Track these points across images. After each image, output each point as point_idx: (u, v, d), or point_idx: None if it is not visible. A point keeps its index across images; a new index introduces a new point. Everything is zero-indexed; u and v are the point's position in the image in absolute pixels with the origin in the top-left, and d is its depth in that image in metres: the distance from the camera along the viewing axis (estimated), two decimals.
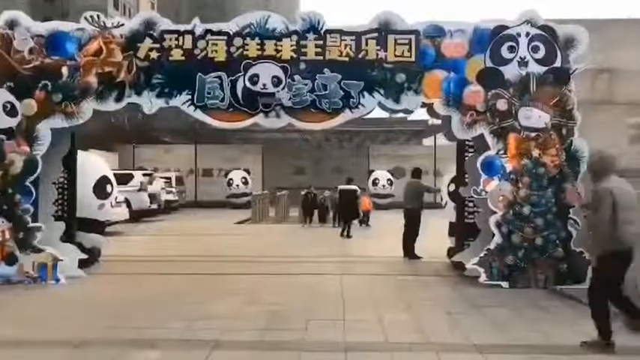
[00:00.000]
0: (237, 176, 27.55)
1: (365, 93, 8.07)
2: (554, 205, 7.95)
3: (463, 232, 9.13)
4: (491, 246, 8.00)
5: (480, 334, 5.57)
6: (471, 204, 9.03)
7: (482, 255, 8.02)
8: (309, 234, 16.28)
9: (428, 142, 35.01)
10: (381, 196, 26.54)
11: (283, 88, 8.10)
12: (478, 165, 8.06)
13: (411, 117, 39.27)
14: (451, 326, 5.99)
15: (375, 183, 27.17)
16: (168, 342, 5.35)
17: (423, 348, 5.17)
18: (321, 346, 5.23)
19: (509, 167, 8.02)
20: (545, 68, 8.00)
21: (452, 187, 9.88)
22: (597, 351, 5.05)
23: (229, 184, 27.44)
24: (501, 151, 8.05)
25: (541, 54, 8.01)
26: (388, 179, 27.25)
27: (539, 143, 8.00)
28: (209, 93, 8.13)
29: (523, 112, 8.02)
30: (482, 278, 7.98)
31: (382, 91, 8.07)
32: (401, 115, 35.26)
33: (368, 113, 8.25)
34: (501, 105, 8.04)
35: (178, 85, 8.16)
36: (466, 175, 8.99)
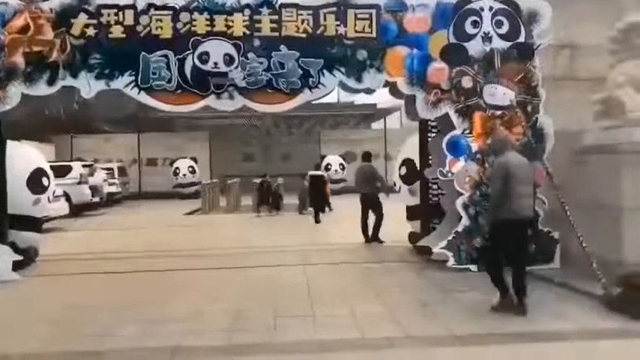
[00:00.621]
0: (183, 165, 26.55)
1: (325, 71, 7.57)
2: None
3: (428, 214, 8.83)
4: (459, 229, 7.74)
5: (458, 323, 5.26)
6: (435, 186, 8.73)
7: (449, 238, 7.75)
8: (266, 223, 15.69)
9: (376, 125, 35.02)
10: (334, 181, 26.20)
11: (236, 67, 7.50)
12: (444, 145, 7.76)
13: (359, 100, 39.27)
14: (426, 316, 5.66)
15: (327, 168, 26.79)
16: (121, 352, 4.75)
17: (404, 343, 4.80)
18: (293, 347, 4.76)
19: (475, 147, 7.76)
20: (509, 44, 7.75)
21: (403, 171, 9.54)
22: (508, 310, 5.51)
23: (175, 174, 26.42)
24: (467, 131, 7.77)
25: (505, 29, 7.75)
26: (340, 164, 27.00)
27: (505, 121, 7.75)
28: (154, 73, 7.42)
29: (488, 89, 7.76)
30: (451, 262, 7.72)
31: (343, 70, 7.60)
32: (348, 99, 34.84)
33: (328, 93, 7.77)
34: (466, 82, 7.74)
35: (120, 66, 7.40)
36: (430, 157, 8.68)
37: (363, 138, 30.08)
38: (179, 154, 27.22)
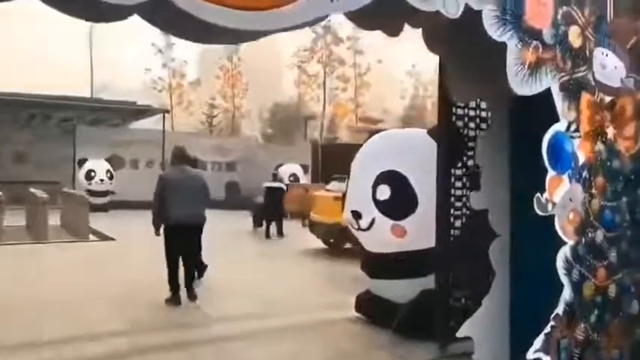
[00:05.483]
0: None
1: None
2: (631, 225, 4.57)
3: (447, 267, 4.90)
4: (559, 309, 4.12)
5: None
6: (458, 222, 4.91)
7: (546, 331, 4.07)
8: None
9: (136, 126, 29.09)
10: (99, 193, 19.94)
11: None
12: (544, 151, 4.05)
13: (113, 96, 32.89)
14: None
15: (89, 176, 20.26)
16: None
17: None
18: None
19: (581, 157, 4.27)
20: None
21: (384, 193, 5.40)
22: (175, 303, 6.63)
23: None
24: (572, 126, 4.23)
25: None
26: (107, 171, 20.76)
27: (615, 115, 4.49)
28: None
29: (599, 56, 4.38)
30: None
31: None
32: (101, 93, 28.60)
33: (360, 5, 3.31)
34: (574, 37, 4.22)
35: None
36: (463, 171, 4.84)
37: (131, 140, 24.22)
38: None
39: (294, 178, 22.05)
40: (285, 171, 21.23)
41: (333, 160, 24.35)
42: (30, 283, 7.49)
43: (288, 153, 25.16)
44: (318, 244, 11.59)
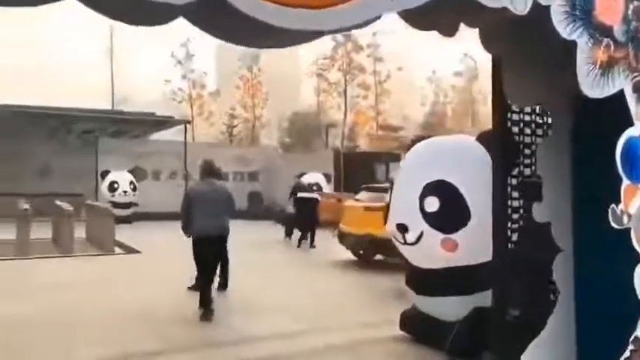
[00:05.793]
0: None
1: None
2: None
3: (505, 282, 4.54)
4: (639, 332, 3.76)
5: None
6: (513, 233, 4.57)
7: (627, 355, 3.71)
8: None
9: (156, 136, 29.03)
10: (123, 205, 19.80)
11: None
12: (618, 158, 3.71)
13: (134, 108, 32.97)
14: None
15: (113, 188, 20.22)
16: None
17: None
18: None
19: None
20: None
21: (433, 204, 5.08)
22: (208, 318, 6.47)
23: None
24: None
25: None
26: (131, 182, 20.68)
27: None
28: None
29: None
30: None
31: None
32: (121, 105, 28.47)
33: (420, 3, 3.03)
34: None
35: None
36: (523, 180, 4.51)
37: (153, 151, 24.15)
38: None
39: (317, 187, 21.74)
40: (308, 180, 20.98)
41: (355, 169, 24.04)
42: (59, 300, 7.28)
43: (310, 162, 24.86)
44: (348, 255, 11.27)
